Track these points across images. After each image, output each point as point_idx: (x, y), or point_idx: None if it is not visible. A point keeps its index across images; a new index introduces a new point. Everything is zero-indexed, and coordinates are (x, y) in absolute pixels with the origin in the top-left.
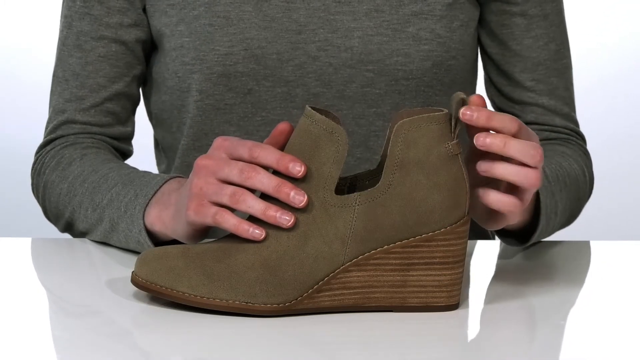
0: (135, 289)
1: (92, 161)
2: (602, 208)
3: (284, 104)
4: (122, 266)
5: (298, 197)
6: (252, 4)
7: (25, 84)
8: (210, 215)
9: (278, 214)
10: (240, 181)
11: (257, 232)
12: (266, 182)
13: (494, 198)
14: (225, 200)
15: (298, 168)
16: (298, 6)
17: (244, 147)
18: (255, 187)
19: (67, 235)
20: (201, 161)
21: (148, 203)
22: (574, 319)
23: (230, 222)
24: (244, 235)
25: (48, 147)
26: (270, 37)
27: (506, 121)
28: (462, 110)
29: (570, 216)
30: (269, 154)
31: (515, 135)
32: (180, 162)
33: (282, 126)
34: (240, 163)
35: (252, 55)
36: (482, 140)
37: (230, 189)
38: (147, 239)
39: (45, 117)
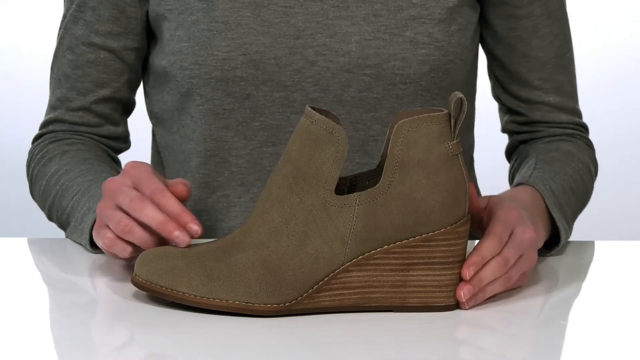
0: (135, 289)
1: (70, 159)
2: (606, 208)
3: (282, 108)
4: (122, 266)
5: (182, 237)
6: (250, 9)
7: (25, 84)
8: (102, 240)
9: (177, 232)
10: (129, 210)
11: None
12: (151, 216)
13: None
14: (112, 227)
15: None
16: (296, 11)
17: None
18: (141, 219)
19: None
20: (107, 184)
21: (94, 222)
22: (575, 319)
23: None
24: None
25: (39, 140)
26: (269, 42)
27: (491, 249)
28: (466, 273)
29: (582, 209)
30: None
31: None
32: (179, 166)
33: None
34: (133, 193)
35: (250, 60)
36: (465, 296)
37: (119, 216)
38: (91, 250)
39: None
